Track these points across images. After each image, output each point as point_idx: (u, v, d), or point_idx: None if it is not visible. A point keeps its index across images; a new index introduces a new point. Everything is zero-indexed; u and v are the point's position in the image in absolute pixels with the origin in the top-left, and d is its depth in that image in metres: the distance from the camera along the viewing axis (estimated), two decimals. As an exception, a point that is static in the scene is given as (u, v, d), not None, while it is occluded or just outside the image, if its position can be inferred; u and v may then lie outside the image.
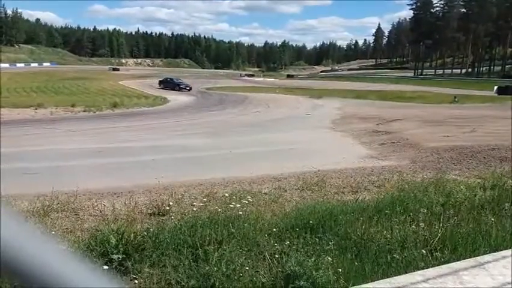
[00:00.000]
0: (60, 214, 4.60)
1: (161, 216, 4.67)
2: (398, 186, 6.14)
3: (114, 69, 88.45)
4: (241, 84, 51.18)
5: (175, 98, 29.29)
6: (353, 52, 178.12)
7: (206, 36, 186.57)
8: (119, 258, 3.58)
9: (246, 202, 4.98)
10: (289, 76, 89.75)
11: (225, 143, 10.86)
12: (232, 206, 4.91)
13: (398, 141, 10.80)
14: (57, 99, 24.57)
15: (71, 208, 4.78)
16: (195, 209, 4.67)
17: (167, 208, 4.74)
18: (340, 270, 3.38)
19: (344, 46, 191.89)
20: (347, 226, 4.38)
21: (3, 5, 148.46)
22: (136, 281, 3.31)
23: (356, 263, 3.59)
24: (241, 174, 6.90)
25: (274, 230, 4.25)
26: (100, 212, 4.76)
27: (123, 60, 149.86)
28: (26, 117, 17.49)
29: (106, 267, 3.35)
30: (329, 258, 3.59)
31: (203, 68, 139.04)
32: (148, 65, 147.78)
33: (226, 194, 5.31)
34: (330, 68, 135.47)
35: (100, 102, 23.73)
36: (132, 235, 3.86)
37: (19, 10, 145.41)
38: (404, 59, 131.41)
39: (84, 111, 20.38)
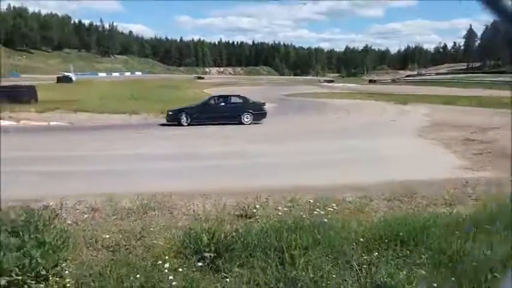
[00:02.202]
0: (157, 212, 4.99)
1: (247, 219, 4.82)
2: (497, 199, 5.64)
3: (199, 77, 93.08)
4: (320, 90, 50.68)
5: (256, 105, 29.88)
6: (441, 56, 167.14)
7: (285, 43, 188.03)
8: (211, 256, 3.77)
9: (331, 210, 4.94)
10: (371, 81, 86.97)
11: (305, 149, 10.85)
12: (316, 212, 4.90)
13: (495, 152, 9.92)
14: (149, 106, 26.45)
15: (166, 207, 5.15)
16: (280, 214, 4.75)
17: (254, 211, 4.88)
18: (435, 285, 3.21)
19: (431, 49, 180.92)
20: (440, 240, 4.14)
21: (101, 19, 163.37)
22: (228, 280, 3.45)
23: (453, 279, 3.38)
24: (323, 181, 6.85)
25: (361, 239, 4.17)
26: (193, 211, 5.06)
27: (207, 69, 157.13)
28: (120, 122, 19.07)
29: (199, 264, 3.55)
30: (422, 271, 3.43)
31: (282, 75, 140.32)
32: (230, 74, 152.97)
33: (311, 200, 5.32)
34: (416, 73, 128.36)
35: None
36: (222, 235, 4.05)
37: (114, 23, 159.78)
38: (500, 62, 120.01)
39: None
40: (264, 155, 10.03)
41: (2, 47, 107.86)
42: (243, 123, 17.11)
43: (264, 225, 4.38)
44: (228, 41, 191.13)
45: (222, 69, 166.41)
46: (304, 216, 4.66)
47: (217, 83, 66.01)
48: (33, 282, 3.39)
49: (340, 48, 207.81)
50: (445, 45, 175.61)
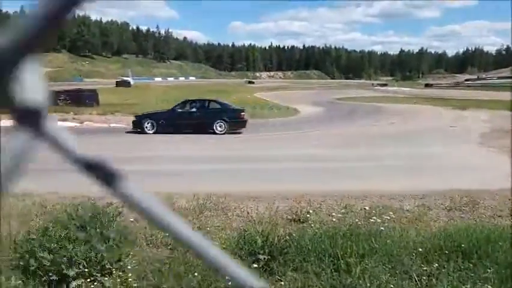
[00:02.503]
0: (213, 213, 5.11)
1: (300, 223, 4.81)
2: None
3: (249, 82, 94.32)
4: (373, 94, 49.35)
5: (305, 109, 29.74)
6: (503, 58, 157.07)
7: (336, 47, 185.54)
8: (265, 258, 3.80)
9: (388, 218, 4.80)
10: (427, 85, 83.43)
11: (358, 155, 10.61)
12: (372, 220, 4.79)
13: None
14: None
15: (220, 208, 5.27)
16: (334, 220, 4.70)
17: (307, 216, 4.86)
18: (503, 302, 3.03)
19: (493, 52, 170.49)
20: (507, 254, 3.90)
21: (157, 26, 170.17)
22: (282, 283, 3.47)
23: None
24: (378, 188, 6.67)
25: (420, 249, 4.02)
26: (247, 213, 5.14)
27: (257, 74, 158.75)
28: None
29: (255, 265, 3.60)
30: (489, 286, 3.24)
31: (333, 79, 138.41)
32: (280, 78, 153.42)
33: (366, 208, 5.21)
34: (476, 77, 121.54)
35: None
36: (276, 238, 4.07)
37: (170, 30, 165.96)
38: None
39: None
40: (316, 160, 9.95)
41: (67, 53, 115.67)
42: (216, 133, 14.99)
43: (317, 230, 4.34)
44: (279, 45, 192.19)
45: (272, 73, 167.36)
46: (359, 223, 4.57)
47: (270, 87, 66.45)
48: (98, 274, 3.60)
49: (394, 51, 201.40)
50: (508, 47, 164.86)
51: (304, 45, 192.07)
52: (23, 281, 3.71)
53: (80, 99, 25.38)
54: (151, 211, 0.30)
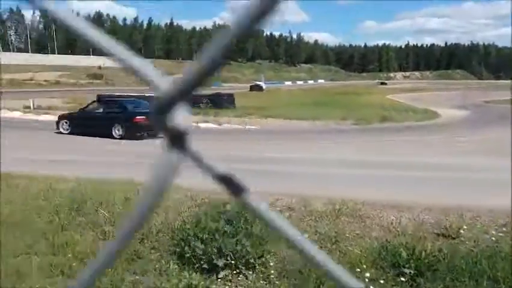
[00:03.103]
0: (350, 219, 4.99)
1: (451, 239, 4.36)
2: None
3: (382, 83, 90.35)
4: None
5: (447, 112, 27.15)
6: None
7: (485, 44, 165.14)
8: (411, 273, 3.56)
9: None
10: None
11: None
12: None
13: None
14: (330, 112, 26.95)
15: (358, 215, 5.11)
16: (493, 239, 4.14)
17: (459, 231, 4.39)
18: None
19: None
20: None
21: (289, 31, 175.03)
22: (433, 301, 3.20)
23: None
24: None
25: None
26: (390, 223, 4.88)
27: (391, 74, 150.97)
28: (303, 127, 19.94)
29: (402, 279, 3.39)
30: None
31: (480, 79, 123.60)
32: (417, 78, 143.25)
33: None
34: None
35: (369, 116, 24.51)
36: (423, 253, 3.77)
37: (301, 34, 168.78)
38: None
39: (354, 124, 21.56)
40: (464, 170, 8.97)
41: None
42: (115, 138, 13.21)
43: (473, 249, 3.89)
44: (416, 44, 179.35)
45: (408, 73, 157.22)
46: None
47: (405, 88, 62.53)
48: (243, 267, 3.83)
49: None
50: None
51: (446, 43, 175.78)
52: (178, 265, 4.15)
53: (219, 103, 27.58)
54: (270, 222, 0.35)
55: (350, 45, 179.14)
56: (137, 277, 3.79)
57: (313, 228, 4.77)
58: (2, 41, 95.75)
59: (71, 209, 5.38)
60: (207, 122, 20.43)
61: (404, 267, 3.59)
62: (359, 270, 3.51)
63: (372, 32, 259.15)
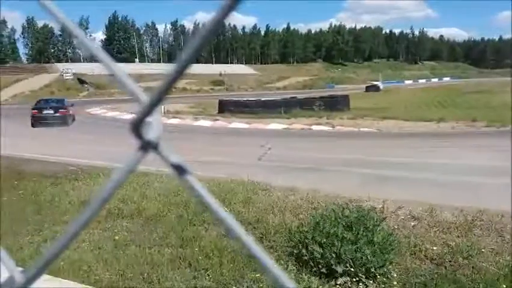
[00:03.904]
0: (484, 232, 4.47)
1: None
2: None
3: (519, 80, 78.90)
4: None
5: None
6: None
7: None
8: None
9: None
10: None
11: None
12: None
13: None
14: (457, 114, 24.49)
15: (495, 228, 4.54)
16: None
17: None
18: None
19: None
20: None
21: (411, 27, 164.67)
22: None
23: None
24: None
25: None
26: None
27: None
28: (429, 130, 18.47)
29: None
30: None
31: None
32: None
33: None
34: None
35: (505, 117, 21.64)
36: None
37: (425, 29, 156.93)
38: None
39: (486, 126, 19.27)
40: None
41: (322, 62, 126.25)
42: None
43: None
44: None
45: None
46: None
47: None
48: (363, 276, 3.70)
49: None
50: None
51: None
52: (296, 267, 4.20)
53: (333, 105, 27.18)
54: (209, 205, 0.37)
55: (482, 39, 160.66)
56: (257, 275, 3.92)
57: (440, 239, 4.38)
58: (139, 53, 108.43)
59: (198, 204, 5.84)
60: (319, 124, 20.35)
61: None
62: (498, 290, 3.12)
63: (507, 24, 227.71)
